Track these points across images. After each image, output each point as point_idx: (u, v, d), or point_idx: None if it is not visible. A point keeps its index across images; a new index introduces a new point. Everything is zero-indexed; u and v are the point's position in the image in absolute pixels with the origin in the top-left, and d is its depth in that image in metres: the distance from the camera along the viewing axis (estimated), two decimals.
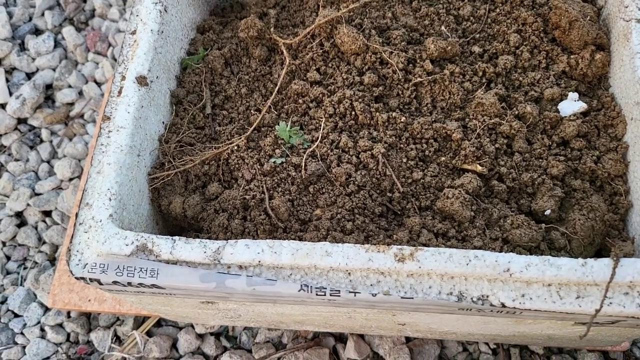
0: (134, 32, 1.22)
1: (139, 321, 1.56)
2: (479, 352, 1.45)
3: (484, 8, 1.27)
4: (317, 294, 0.95)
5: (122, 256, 0.99)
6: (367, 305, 0.99)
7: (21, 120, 1.90)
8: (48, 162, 1.84)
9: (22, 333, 1.59)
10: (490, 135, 1.14)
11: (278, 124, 1.21)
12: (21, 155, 1.85)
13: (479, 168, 1.11)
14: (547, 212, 1.06)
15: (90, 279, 1.00)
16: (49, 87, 1.95)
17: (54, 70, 1.96)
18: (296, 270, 0.98)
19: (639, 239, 1.00)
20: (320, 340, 1.47)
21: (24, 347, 1.56)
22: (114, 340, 1.54)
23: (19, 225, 1.76)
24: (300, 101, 1.23)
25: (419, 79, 1.20)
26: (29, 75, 1.98)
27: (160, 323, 1.56)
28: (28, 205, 1.75)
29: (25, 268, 1.70)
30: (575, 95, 1.14)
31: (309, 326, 1.35)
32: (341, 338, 1.49)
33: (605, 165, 1.08)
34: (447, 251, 0.94)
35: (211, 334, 1.53)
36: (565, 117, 1.14)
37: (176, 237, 1.00)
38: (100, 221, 1.02)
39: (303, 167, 1.13)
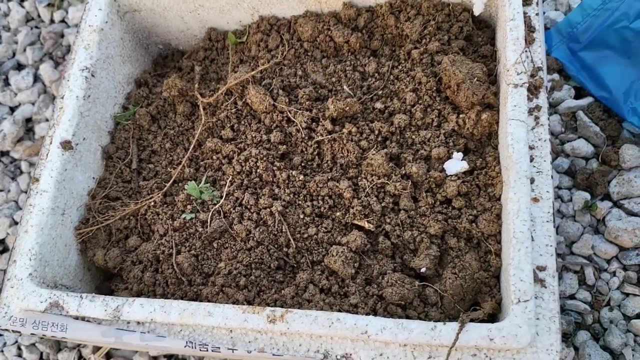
0: (62, 97, 1.34)
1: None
2: None
3: (387, 65, 1.33)
4: (200, 350, 1.07)
5: (38, 312, 1.13)
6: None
7: (3, 153, 2.07)
8: (26, 192, 2.00)
9: (2, 351, 1.78)
10: (378, 193, 1.21)
11: (195, 179, 1.31)
12: (3, 186, 2.02)
13: (367, 225, 1.19)
14: (423, 269, 1.13)
15: (12, 330, 1.15)
16: (29, 120, 2.11)
17: (33, 104, 2.12)
18: (185, 327, 1.09)
19: (506, 299, 1.07)
20: None
21: None
22: None
23: (1, 252, 1.94)
24: (215, 157, 1.33)
25: (320, 137, 1.28)
26: (12, 109, 2.14)
27: None
28: (8, 234, 1.93)
29: None
30: (460, 155, 1.20)
31: None
32: None
33: (479, 225, 1.14)
34: (313, 313, 1.04)
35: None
36: (449, 176, 1.20)
37: (84, 295, 1.13)
38: (21, 279, 1.16)
39: (208, 224, 1.23)
